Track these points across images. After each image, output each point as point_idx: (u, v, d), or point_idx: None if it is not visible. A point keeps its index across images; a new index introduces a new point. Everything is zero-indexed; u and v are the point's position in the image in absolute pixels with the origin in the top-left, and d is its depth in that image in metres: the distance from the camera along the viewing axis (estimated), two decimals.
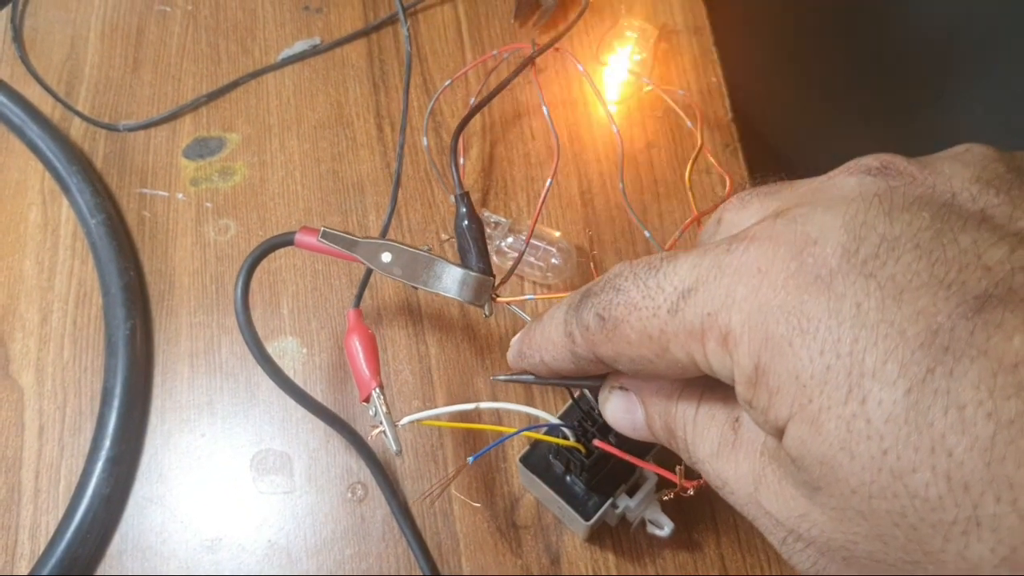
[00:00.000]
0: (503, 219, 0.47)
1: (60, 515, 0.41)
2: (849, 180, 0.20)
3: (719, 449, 0.23)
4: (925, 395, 0.16)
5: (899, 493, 0.17)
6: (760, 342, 0.19)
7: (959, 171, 0.20)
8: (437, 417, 0.34)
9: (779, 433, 0.19)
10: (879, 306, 0.17)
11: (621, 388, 0.26)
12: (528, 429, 0.36)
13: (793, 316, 0.18)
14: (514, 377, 0.29)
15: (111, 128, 0.52)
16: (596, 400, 0.28)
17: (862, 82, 0.81)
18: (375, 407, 0.34)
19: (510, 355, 0.29)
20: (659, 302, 0.21)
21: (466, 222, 0.36)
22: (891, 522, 0.17)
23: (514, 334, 0.45)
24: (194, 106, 0.53)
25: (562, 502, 0.37)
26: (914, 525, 0.17)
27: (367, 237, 0.35)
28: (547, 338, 0.26)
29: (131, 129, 0.52)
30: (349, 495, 0.42)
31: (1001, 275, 0.17)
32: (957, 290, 0.17)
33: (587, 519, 0.37)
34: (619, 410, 0.26)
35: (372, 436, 0.34)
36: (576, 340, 0.24)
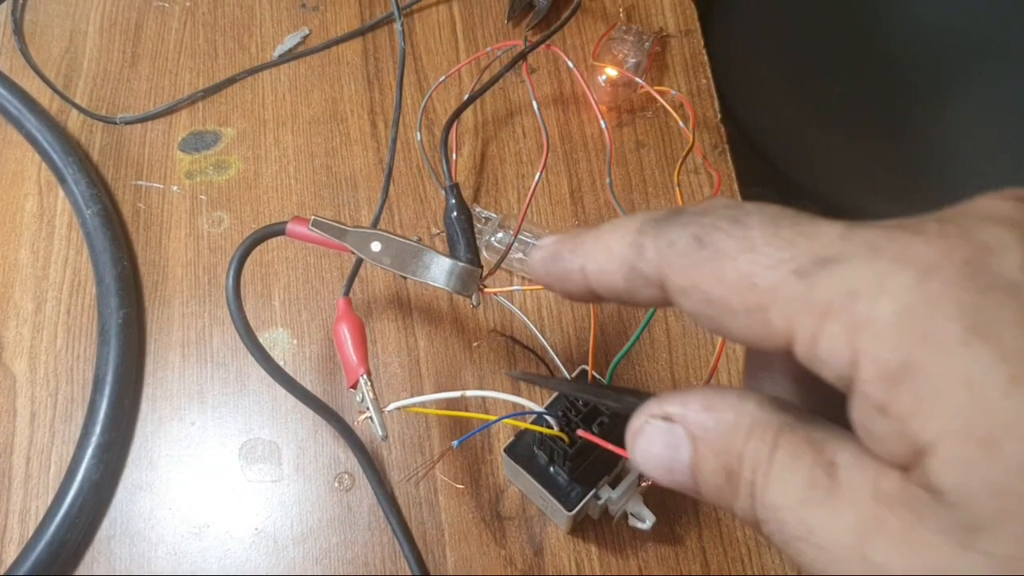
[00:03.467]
0: (494, 215, 0.47)
1: (50, 500, 0.42)
2: (1003, 204, 0.19)
3: (807, 496, 0.19)
4: None
5: None
6: (919, 336, 0.16)
7: None
8: (424, 404, 0.35)
9: (916, 454, 0.16)
10: None
11: (664, 418, 0.22)
12: (512, 416, 0.36)
13: (968, 315, 0.16)
14: (526, 375, 0.27)
15: (108, 121, 0.53)
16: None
17: (852, 86, 0.82)
18: (362, 393, 0.34)
19: (538, 256, 0.23)
20: (785, 256, 0.18)
21: (455, 213, 0.37)
22: None
23: (502, 327, 0.46)
24: (190, 101, 0.54)
25: (545, 492, 0.37)
26: None
27: (357, 226, 0.35)
28: (602, 244, 0.21)
29: (128, 122, 0.53)
30: (336, 484, 0.43)
31: None
32: None
33: (569, 509, 0.37)
34: (657, 444, 0.21)
35: (359, 422, 0.34)
36: (646, 254, 0.20)
